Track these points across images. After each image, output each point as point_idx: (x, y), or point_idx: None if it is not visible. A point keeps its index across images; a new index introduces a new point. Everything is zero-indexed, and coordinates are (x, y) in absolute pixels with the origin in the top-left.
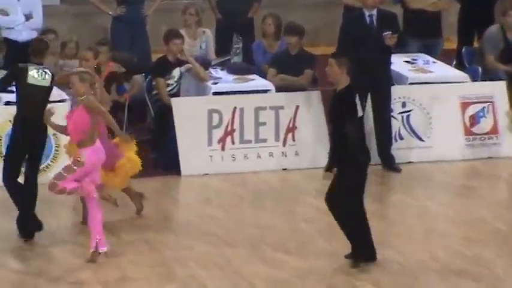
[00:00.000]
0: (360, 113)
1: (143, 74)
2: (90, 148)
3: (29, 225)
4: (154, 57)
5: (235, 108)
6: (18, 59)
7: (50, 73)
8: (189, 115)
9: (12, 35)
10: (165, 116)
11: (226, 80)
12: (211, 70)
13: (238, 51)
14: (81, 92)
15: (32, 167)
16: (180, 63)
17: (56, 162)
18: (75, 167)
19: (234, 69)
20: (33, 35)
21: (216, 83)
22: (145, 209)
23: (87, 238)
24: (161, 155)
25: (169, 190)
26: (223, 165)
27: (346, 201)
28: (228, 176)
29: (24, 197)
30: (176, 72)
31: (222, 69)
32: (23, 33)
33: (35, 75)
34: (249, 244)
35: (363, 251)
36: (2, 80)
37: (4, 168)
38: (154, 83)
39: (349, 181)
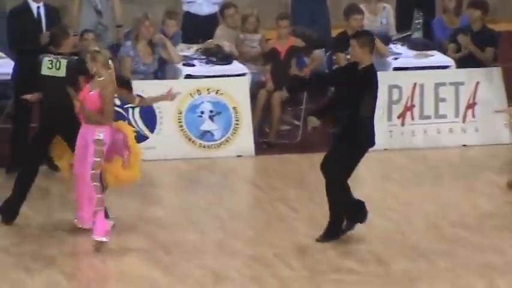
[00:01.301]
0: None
1: (323, 49)
2: (107, 127)
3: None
4: (334, 32)
5: (415, 84)
6: (198, 33)
7: (65, 62)
8: None
9: (193, 9)
10: None
11: (406, 56)
12: (392, 46)
13: (418, 26)
14: (92, 70)
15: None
16: None
17: (235, 135)
18: (100, 148)
19: (414, 45)
20: (214, 9)
21: (396, 59)
22: (315, 182)
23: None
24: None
25: None
26: (402, 140)
27: (340, 174)
28: (407, 152)
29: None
30: None
31: (402, 45)
32: (204, 7)
33: (49, 66)
34: (428, 220)
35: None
36: None
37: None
38: (334, 57)
39: (352, 158)
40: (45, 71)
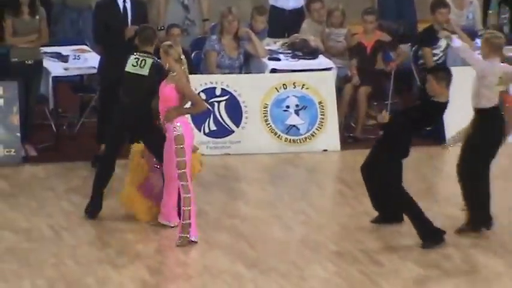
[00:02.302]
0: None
1: (409, 44)
2: (181, 119)
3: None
4: (421, 26)
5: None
6: (284, 27)
7: (150, 62)
8: (456, 85)
9: (279, 3)
10: None
11: None
12: (478, 40)
13: (505, 21)
14: (165, 65)
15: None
16: None
17: (321, 130)
18: (179, 146)
19: None
20: (300, 3)
21: None
22: (407, 178)
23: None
24: None
25: (432, 160)
26: None
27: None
28: None
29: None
30: (443, 42)
31: None
32: (290, 1)
33: (134, 63)
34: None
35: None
36: None
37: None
38: (420, 52)
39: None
40: (129, 68)
